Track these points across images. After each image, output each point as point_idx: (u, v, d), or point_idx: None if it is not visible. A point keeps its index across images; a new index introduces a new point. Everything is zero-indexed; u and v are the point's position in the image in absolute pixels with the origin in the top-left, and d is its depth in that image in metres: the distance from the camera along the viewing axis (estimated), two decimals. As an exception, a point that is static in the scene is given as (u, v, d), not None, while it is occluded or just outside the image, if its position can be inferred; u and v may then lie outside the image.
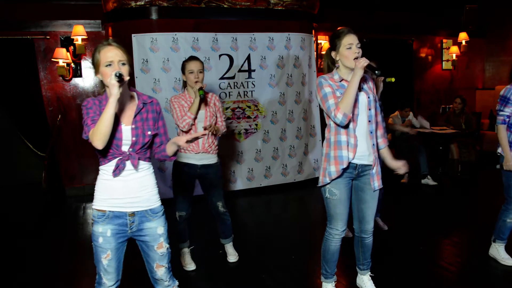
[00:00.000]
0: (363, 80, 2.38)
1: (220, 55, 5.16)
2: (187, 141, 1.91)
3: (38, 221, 4.75)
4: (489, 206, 4.47)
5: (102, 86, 1.89)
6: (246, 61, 5.29)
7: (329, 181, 2.39)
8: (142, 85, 4.88)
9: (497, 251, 3.12)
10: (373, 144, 2.43)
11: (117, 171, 1.83)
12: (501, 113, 2.94)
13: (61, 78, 5.52)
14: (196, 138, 1.95)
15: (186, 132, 3.00)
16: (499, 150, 3.00)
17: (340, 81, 2.37)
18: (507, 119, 2.92)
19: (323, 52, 2.50)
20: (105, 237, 1.84)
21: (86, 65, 5.61)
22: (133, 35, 4.83)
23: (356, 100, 2.31)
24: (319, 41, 6.38)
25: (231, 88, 5.26)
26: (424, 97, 7.70)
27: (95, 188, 1.90)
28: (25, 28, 5.34)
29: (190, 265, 3.20)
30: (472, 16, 7.58)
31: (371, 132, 2.42)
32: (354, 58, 2.28)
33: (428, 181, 5.56)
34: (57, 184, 5.56)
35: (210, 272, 3.21)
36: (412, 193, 5.36)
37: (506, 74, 7.67)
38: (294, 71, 5.53)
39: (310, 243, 3.69)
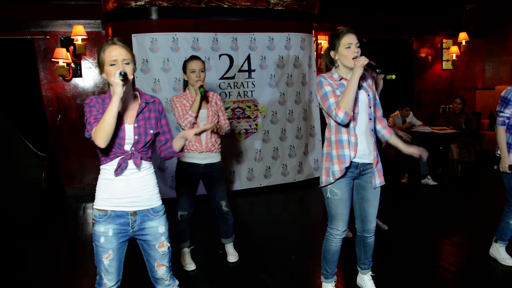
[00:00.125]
0: (362, 78, 2.37)
1: (220, 55, 5.16)
2: (195, 134, 1.92)
3: (38, 221, 4.75)
4: (489, 206, 4.47)
5: (108, 85, 1.89)
6: (246, 61, 5.29)
7: (333, 181, 2.38)
8: (142, 85, 4.88)
9: (498, 251, 3.12)
10: (374, 142, 2.43)
11: (119, 170, 1.83)
12: (501, 114, 2.93)
13: (61, 78, 5.52)
14: (204, 131, 1.98)
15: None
16: (498, 151, 2.99)
17: (340, 80, 2.37)
18: (507, 121, 2.92)
19: (323, 52, 2.49)
20: (107, 237, 1.84)
21: (86, 65, 5.61)
22: (133, 35, 4.83)
23: (356, 99, 2.31)
24: (319, 41, 6.38)
25: (231, 88, 5.26)
26: (424, 97, 7.70)
27: (97, 188, 1.90)
28: (25, 28, 5.34)
29: (190, 265, 3.20)
30: (472, 16, 7.58)
31: (372, 130, 2.43)
32: (353, 58, 2.28)
33: (428, 181, 5.56)
34: (57, 184, 5.56)
35: (210, 272, 3.20)
36: (412, 193, 5.36)
37: (506, 74, 7.73)
38: (294, 71, 5.53)
39: (310, 243, 3.69)
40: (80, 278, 3.15)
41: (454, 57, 7.61)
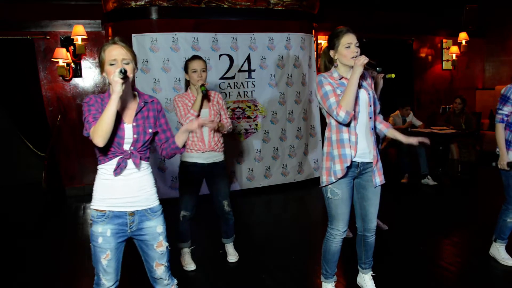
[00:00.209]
0: (362, 77, 2.37)
1: (220, 55, 5.16)
2: (199, 125, 1.93)
3: (38, 221, 4.75)
4: (489, 206, 4.47)
5: (108, 84, 1.89)
6: (246, 61, 5.29)
7: (334, 180, 2.37)
8: (142, 85, 4.88)
9: (498, 251, 3.12)
10: (374, 141, 2.44)
11: (118, 170, 1.83)
12: (499, 111, 2.96)
13: (61, 78, 5.52)
14: (205, 124, 1.98)
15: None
16: (497, 149, 3.01)
17: (340, 79, 2.37)
18: (506, 118, 2.94)
19: (322, 51, 2.50)
20: (105, 237, 1.84)
21: (86, 65, 5.61)
22: (133, 35, 4.83)
23: (356, 98, 2.31)
24: (319, 41, 6.38)
25: (231, 88, 5.26)
26: (424, 97, 7.70)
27: (94, 188, 1.89)
28: (25, 28, 5.34)
29: (190, 265, 3.20)
30: (472, 16, 7.58)
31: (372, 129, 2.43)
32: (352, 57, 2.28)
33: (428, 181, 5.56)
34: (57, 184, 5.56)
35: (210, 272, 3.20)
36: (412, 193, 5.36)
37: (506, 74, 7.73)
38: (294, 71, 5.53)
39: (310, 243, 3.69)
40: (80, 278, 3.15)
41: (454, 57, 7.61)
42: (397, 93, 6.46)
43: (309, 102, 5.76)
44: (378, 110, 2.56)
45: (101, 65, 1.85)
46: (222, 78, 5.19)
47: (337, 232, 2.47)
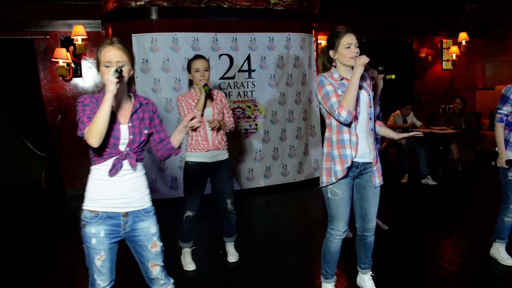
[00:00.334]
0: (362, 78, 2.38)
1: (220, 55, 5.16)
2: (194, 120, 1.92)
3: (38, 221, 4.75)
4: (489, 206, 4.46)
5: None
6: (246, 61, 5.29)
7: (335, 181, 2.37)
8: (142, 85, 4.88)
9: (498, 251, 3.13)
10: (373, 142, 2.44)
11: (114, 170, 1.82)
12: (499, 111, 2.99)
13: (61, 78, 5.52)
14: (194, 125, 1.95)
15: (195, 130, 3.01)
16: (497, 148, 3.04)
17: (341, 80, 2.37)
18: (505, 118, 2.96)
19: (320, 50, 2.50)
20: (98, 238, 1.82)
21: (86, 65, 5.61)
22: (133, 35, 4.83)
23: (357, 98, 2.31)
24: (319, 41, 6.38)
25: (231, 88, 5.26)
26: (424, 97, 7.70)
27: (87, 188, 1.88)
28: (25, 28, 5.34)
29: (190, 265, 3.20)
30: (472, 16, 7.58)
31: (371, 130, 2.43)
32: (352, 58, 2.29)
33: (428, 181, 5.56)
34: (57, 184, 5.56)
35: (210, 272, 3.21)
36: (412, 193, 5.36)
37: (506, 74, 7.73)
38: (294, 71, 5.53)
39: (310, 243, 3.69)
40: (80, 278, 3.15)
41: (454, 57, 7.61)
42: (397, 93, 6.46)
43: (309, 102, 5.76)
44: (377, 112, 2.57)
45: (97, 65, 1.86)
46: (222, 78, 5.19)
47: (337, 232, 2.47)
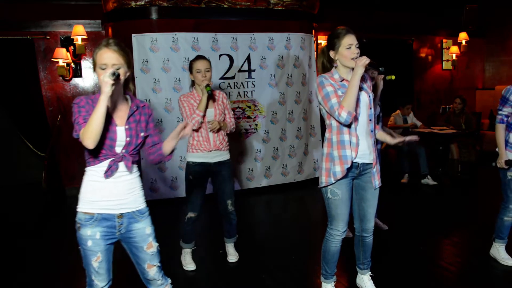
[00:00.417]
0: (362, 79, 2.38)
1: (220, 55, 5.16)
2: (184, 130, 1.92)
3: (38, 221, 4.75)
4: (489, 206, 4.46)
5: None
6: (246, 61, 5.29)
7: (334, 181, 2.38)
8: (142, 85, 4.88)
9: (498, 251, 3.13)
10: (373, 143, 2.44)
11: (109, 172, 1.81)
12: (499, 112, 3.00)
13: (61, 78, 5.53)
14: (185, 135, 1.94)
15: (196, 130, 3.01)
16: (497, 148, 3.05)
17: (341, 81, 2.37)
18: (505, 119, 2.97)
19: (320, 51, 2.51)
20: (94, 240, 1.82)
21: (86, 65, 5.61)
22: (133, 35, 4.83)
23: (357, 99, 2.31)
24: (319, 41, 6.38)
25: (231, 88, 5.26)
26: (424, 97, 7.70)
27: (81, 190, 1.87)
28: (25, 28, 5.34)
29: (190, 265, 3.20)
30: (472, 16, 7.58)
31: (371, 131, 2.43)
32: (353, 58, 2.29)
33: (428, 181, 5.56)
34: (57, 184, 5.56)
35: (210, 272, 3.21)
36: (412, 193, 5.36)
37: (506, 74, 7.73)
38: (294, 71, 5.53)
39: (310, 243, 3.69)
40: (80, 278, 3.14)
41: (454, 57, 7.61)
42: (397, 93, 6.47)
43: (309, 102, 5.76)
44: (377, 112, 2.57)
45: (93, 66, 1.85)
46: (222, 78, 5.18)
47: (337, 232, 2.47)
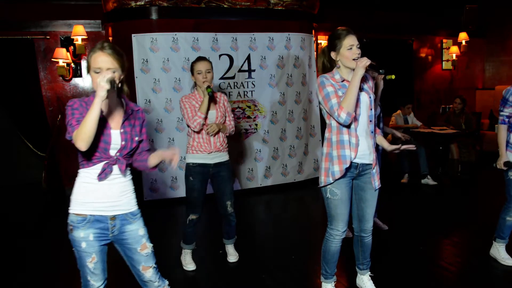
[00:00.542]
0: (363, 79, 2.38)
1: (220, 55, 5.16)
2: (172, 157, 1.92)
3: (38, 221, 4.75)
4: (489, 206, 4.47)
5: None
6: (246, 61, 5.29)
7: (332, 181, 2.38)
8: (142, 85, 4.88)
9: (498, 251, 3.13)
10: (373, 144, 2.45)
11: (103, 175, 1.81)
12: (501, 113, 3.00)
13: (61, 78, 5.53)
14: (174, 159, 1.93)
15: (198, 132, 3.01)
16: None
17: (342, 81, 2.37)
18: (507, 119, 2.96)
19: (320, 51, 2.51)
20: (88, 242, 1.82)
21: (86, 65, 5.60)
22: (133, 35, 4.83)
23: (358, 100, 2.32)
24: (319, 41, 6.38)
25: (231, 88, 5.26)
26: (424, 97, 7.70)
27: (74, 192, 1.86)
28: (25, 28, 5.34)
29: (190, 265, 3.20)
30: (472, 16, 7.58)
31: (371, 132, 2.43)
32: (354, 59, 2.29)
33: (428, 181, 5.56)
34: (57, 184, 5.56)
35: (210, 272, 3.21)
36: (412, 193, 5.36)
37: (506, 74, 7.73)
38: (294, 71, 5.53)
39: (310, 243, 3.69)
40: (80, 278, 3.15)
41: (454, 57, 7.61)
42: (397, 93, 6.46)
43: (309, 102, 5.76)
44: (377, 113, 2.57)
45: (87, 69, 1.84)
46: (222, 78, 5.19)
47: (337, 232, 2.47)
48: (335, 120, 2.33)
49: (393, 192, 5.20)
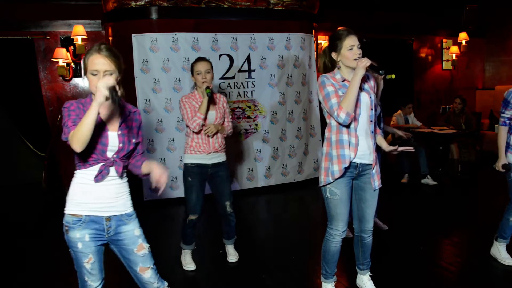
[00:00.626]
0: (364, 79, 2.38)
1: (220, 55, 5.16)
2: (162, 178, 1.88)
3: (38, 221, 4.75)
4: (489, 206, 4.47)
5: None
6: (246, 61, 5.29)
7: (332, 181, 2.38)
8: (142, 85, 4.88)
9: (498, 250, 3.13)
10: (374, 144, 2.44)
11: (100, 176, 1.81)
12: (502, 115, 2.99)
13: (61, 78, 5.53)
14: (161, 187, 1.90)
15: (197, 133, 3.00)
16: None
17: (343, 81, 2.37)
18: (508, 121, 2.95)
19: (322, 51, 2.52)
20: (84, 242, 1.81)
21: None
22: (133, 35, 4.83)
23: (358, 100, 2.32)
24: (319, 41, 6.39)
25: (231, 88, 5.26)
26: (424, 97, 7.70)
27: (69, 192, 1.86)
28: (25, 28, 5.35)
29: (190, 265, 3.20)
30: (472, 16, 7.58)
31: (372, 132, 2.43)
32: (355, 59, 2.29)
33: (428, 181, 5.56)
34: (57, 184, 5.56)
35: (210, 272, 3.21)
36: (412, 193, 5.35)
37: (506, 74, 7.73)
38: (294, 71, 5.53)
39: (310, 243, 3.69)
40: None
41: (454, 57, 7.62)
42: (397, 93, 6.46)
43: (309, 102, 5.76)
44: (377, 112, 2.57)
45: (84, 71, 1.82)
46: (222, 78, 5.18)
47: (337, 232, 2.47)
48: (335, 120, 2.33)
49: (393, 192, 5.20)
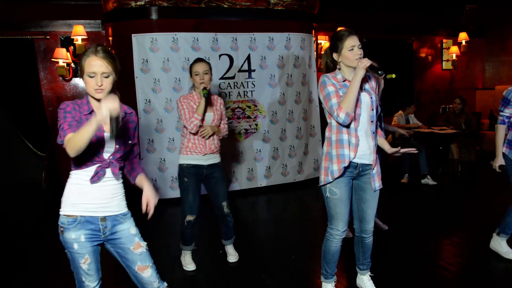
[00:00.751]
0: (365, 80, 2.38)
1: (220, 55, 5.16)
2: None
3: (38, 221, 4.75)
4: (489, 206, 4.47)
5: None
6: (246, 61, 5.29)
7: (331, 180, 2.39)
8: (142, 85, 4.88)
9: (500, 244, 3.11)
10: (374, 144, 2.44)
11: (96, 177, 1.81)
12: (501, 113, 2.98)
13: (61, 78, 5.53)
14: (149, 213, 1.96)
15: (195, 134, 3.00)
16: (503, 149, 3.02)
17: (343, 81, 2.37)
18: (507, 120, 2.95)
19: (323, 52, 2.52)
20: (79, 243, 1.81)
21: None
22: (133, 35, 4.83)
23: (358, 100, 2.32)
24: (319, 41, 6.38)
25: (231, 88, 5.26)
26: (424, 97, 7.70)
27: (65, 193, 1.86)
28: (25, 28, 5.35)
29: (190, 265, 3.20)
30: (472, 16, 7.58)
31: (373, 132, 2.43)
32: (356, 59, 2.29)
33: (428, 181, 5.56)
34: (57, 184, 5.56)
35: (210, 272, 3.21)
36: (412, 193, 5.36)
37: (506, 74, 7.74)
38: (294, 71, 5.53)
39: (310, 243, 3.69)
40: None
41: (454, 57, 7.61)
42: (397, 93, 6.46)
43: (309, 102, 5.76)
44: (378, 112, 2.56)
45: (81, 72, 1.81)
46: (222, 78, 5.19)
47: (337, 232, 2.47)
48: (335, 119, 2.33)
49: (393, 192, 5.20)
